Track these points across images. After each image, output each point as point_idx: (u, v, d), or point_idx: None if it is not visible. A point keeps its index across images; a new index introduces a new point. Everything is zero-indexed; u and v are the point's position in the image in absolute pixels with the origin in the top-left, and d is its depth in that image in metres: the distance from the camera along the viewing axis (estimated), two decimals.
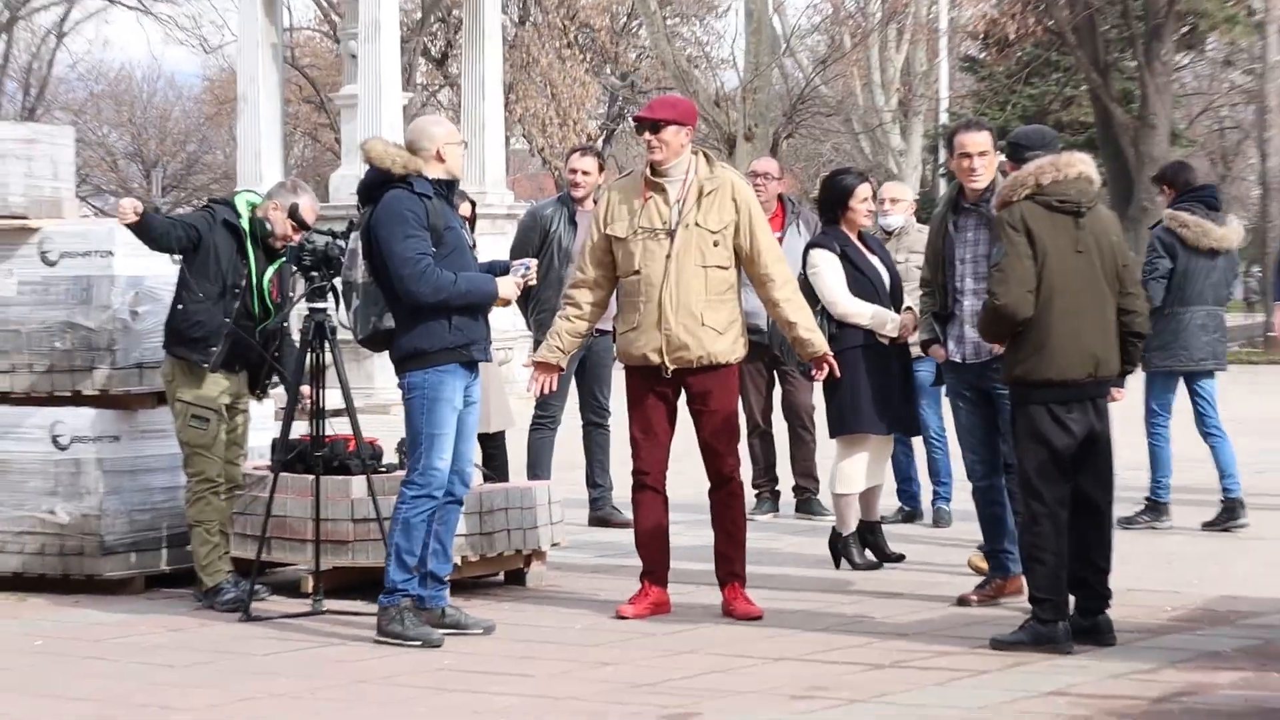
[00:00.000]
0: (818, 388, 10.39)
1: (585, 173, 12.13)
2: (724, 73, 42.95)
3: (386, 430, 11.41)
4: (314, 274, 9.16)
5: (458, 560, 9.17)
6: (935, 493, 12.15)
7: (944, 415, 11.55)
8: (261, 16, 24.38)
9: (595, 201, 10.89)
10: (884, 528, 10.74)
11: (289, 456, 9.35)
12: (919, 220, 12.18)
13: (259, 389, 9.70)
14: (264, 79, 24.33)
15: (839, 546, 10.45)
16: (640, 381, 9.07)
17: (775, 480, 12.73)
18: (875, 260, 10.54)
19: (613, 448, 12.09)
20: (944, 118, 41.27)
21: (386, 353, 8.69)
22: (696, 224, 8.94)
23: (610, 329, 10.40)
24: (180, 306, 9.43)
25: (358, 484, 9.36)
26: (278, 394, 10.09)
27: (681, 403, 9.10)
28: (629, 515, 9.85)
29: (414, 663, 8.06)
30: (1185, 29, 36.74)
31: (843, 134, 45.51)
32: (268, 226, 9.48)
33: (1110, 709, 7.10)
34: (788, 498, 12.69)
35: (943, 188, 36.57)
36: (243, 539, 9.60)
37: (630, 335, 9.04)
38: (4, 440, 9.88)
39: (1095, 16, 34.79)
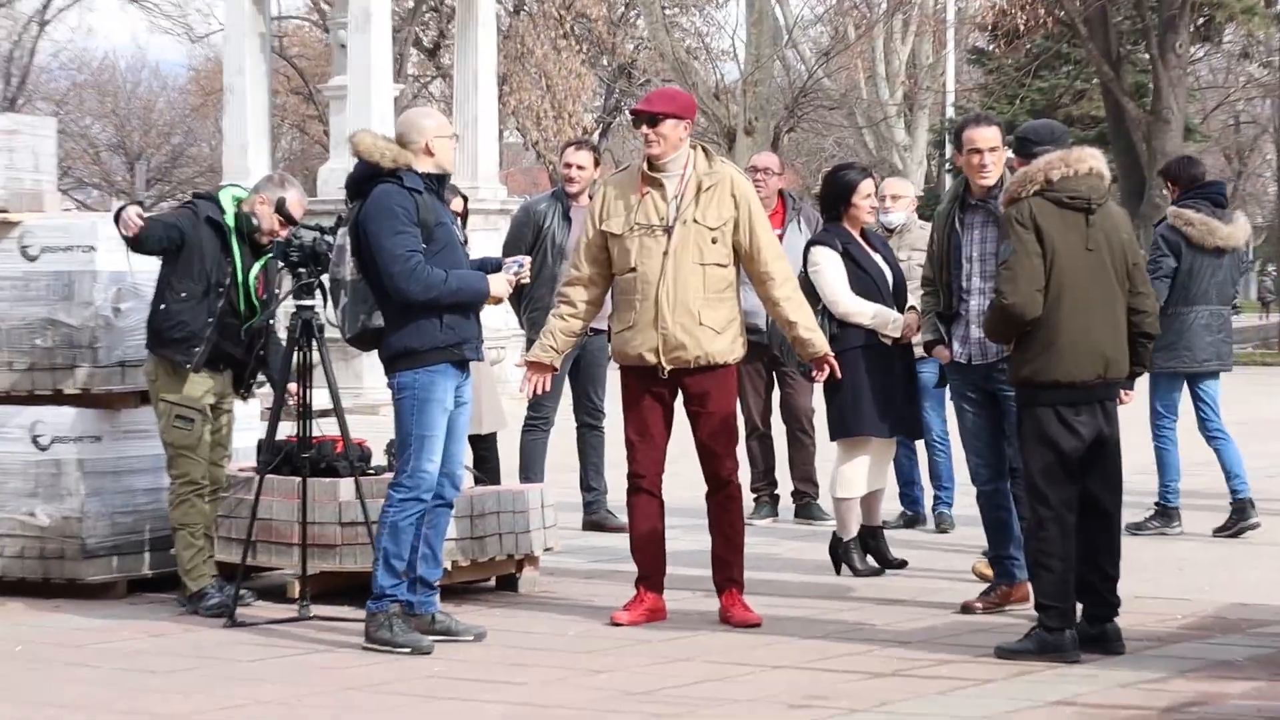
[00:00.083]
0: (818, 389, 10.41)
1: (580, 167, 12.15)
2: (724, 64, 42.93)
3: (375, 431, 11.43)
4: (301, 270, 9.17)
5: (448, 565, 9.19)
6: (936, 497, 12.17)
7: (947, 418, 11.59)
8: (249, 5, 24.36)
9: (590, 197, 10.91)
10: (886, 533, 10.77)
11: (275, 458, 9.37)
12: (920, 217, 12.19)
13: (244, 388, 9.71)
14: (251, 69, 24.31)
15: (840, 552, 10.47)
16: (636, 382, 9.09)
17: (774, 484, 12.75)
18: (878, 258, 10.57)
19: (607, 450, 12.10)
20: (950, 112, 41.31)
21: (375, 352, 8.71)
22: (694, 220, 8.96)
23: (605, 328, 10.43)
24: (163, 306, 9.43)
25: (345, 486, 9.37)
26: (263, 394, 10.10)
27: (678, 404, 9.12)
28: (624, 519, 9.86)
29: (403, 670, 8.07)
30: (1201, 20, 36.76)
31: (846, 128, 45.52)
32: (254, 222, 9.48)
33: (1118, 719, 7.12)
34: (787, 502, 12.72)
35: (948, 184, 36.56)
36: (227, 542, 9.61)
37: (626, 334, 9.05)
38: None
39: (1108, 7, 34.82)
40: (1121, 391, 8.62)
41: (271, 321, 9.70)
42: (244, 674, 8.06)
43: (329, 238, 9.00)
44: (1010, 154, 9.26)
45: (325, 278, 8.92)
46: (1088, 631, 8.26)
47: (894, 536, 11.09)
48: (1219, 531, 11.88)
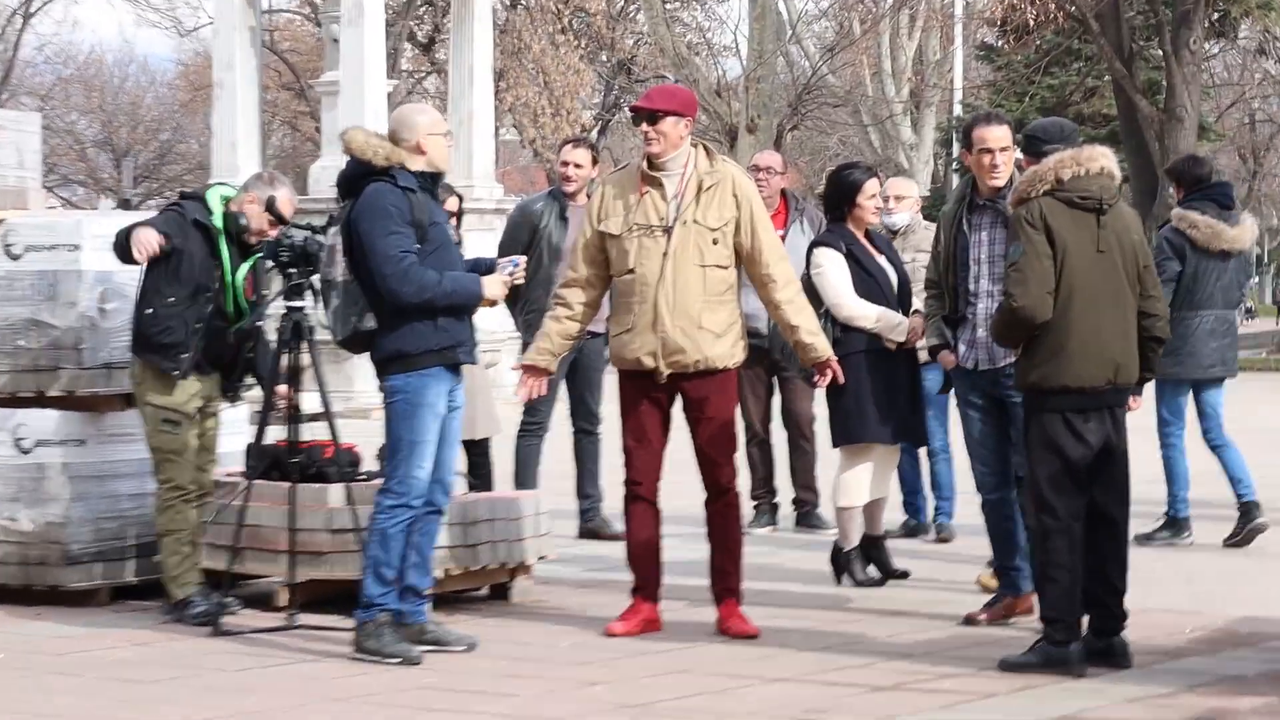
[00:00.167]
0: (819, 394, 10.42)
1: (578, 166, 12.16)
2: (726, 60, 43.05)
3: (366, 436, 11.43)
4: (291, 271, 9.17)
5: (439, 573, 9.20)
6: (937, 508, 12.17)
7: (949, 427, 11.58)
8: None
9: (588, 196, 10.92)
10: (888, 543, 10.78)
11: (263, 463, 9.37)
12: (926, 218, 12.19)
13: (232, 392, 9.72)
14: (241, 64, 24.33)
15: (841, 562, 10.48)
16: (634, 386, 9.09)
17: (774, 492, 12.75)
18: (883, 260, 10.57)
19: (603, 456, 12.10)
20: (958, 109, 41.31)
21: (367, 355, 8.72)
22: (695, 221, 8.97)
23: (603, 331, 10.44)
24: (149, 310, 9.41)
25: (335, 492, 9.38)
26: (252, 397, 10.11)
27: (677, 409, 9.13)
28: (620, 527, 9.86)
29: (393, 680, 8.09)
30: (1216, 15, 36.74)
31: (851, 126, 45.59)
32: (242, 221, 9.48)
33: None
34: (787, 510, 12.72)
35: (955, 184, 36.59)
36: (214, 549, 9.60)
37: (624, 338, 9.06)
38: None
39: (1120, 2, 34.80)
40: (1130, 398, 8.62)
41: (260, 323, 9.70)
42: (230, 684, 8.06)
43: (320, 237, 8.99)
44: (1019, 153, 9.26)
45: (316, 278, 8.92)
46: (1094, 644, 8.26)
47: (896, 546, 11.10)
48: (1230, 542, 11.87)
